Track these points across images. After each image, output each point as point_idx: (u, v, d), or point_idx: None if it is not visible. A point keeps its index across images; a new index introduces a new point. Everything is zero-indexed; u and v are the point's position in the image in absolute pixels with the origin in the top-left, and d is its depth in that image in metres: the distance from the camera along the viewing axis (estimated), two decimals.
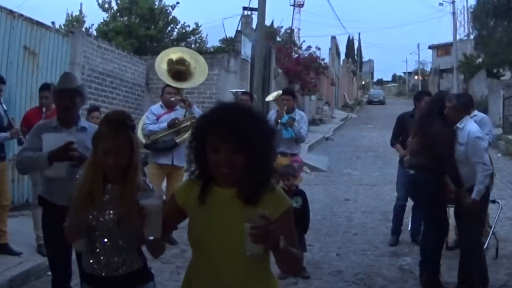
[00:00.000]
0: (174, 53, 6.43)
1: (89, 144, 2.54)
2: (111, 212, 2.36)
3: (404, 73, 78.10)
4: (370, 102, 49.19)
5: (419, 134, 4.69)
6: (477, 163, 4.37)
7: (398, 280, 4.99)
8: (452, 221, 6.38)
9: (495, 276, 4.94)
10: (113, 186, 2.40)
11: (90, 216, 2.35)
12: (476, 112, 6.20)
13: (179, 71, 6.25)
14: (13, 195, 6.53)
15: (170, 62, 6.24)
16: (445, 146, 4.48)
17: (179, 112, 6.07)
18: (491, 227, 5.59)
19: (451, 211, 6.47)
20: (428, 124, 4.58)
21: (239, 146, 1.83)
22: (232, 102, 2.01)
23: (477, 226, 4.66)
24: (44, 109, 5.46)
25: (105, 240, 2.36)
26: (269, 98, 7.01)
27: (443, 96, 4.87)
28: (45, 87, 5.68)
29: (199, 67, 6.33)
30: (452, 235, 6.08)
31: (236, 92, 6.65)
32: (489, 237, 5.48)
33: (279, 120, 6.17)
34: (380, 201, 8.72)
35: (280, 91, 6.87)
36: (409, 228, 6.32)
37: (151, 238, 1.98)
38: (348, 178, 11.56)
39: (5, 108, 5.37)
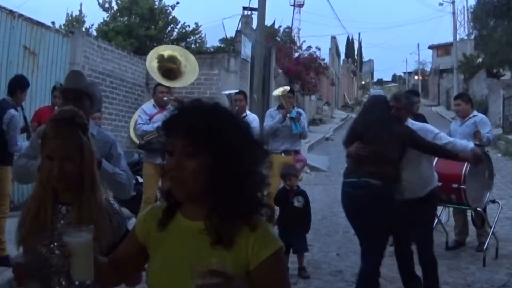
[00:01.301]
0: (164, 50, 6.41)
1: (96, 154, 2.35)
2: None
3: (404, 73, 78.11)
4: None
5: (382, 140, 4.02)
6: (438, 136, 4.24)
7: (398, 280, 4.98)
8: (452, 221, 6.41)
9: (495, 276, 4.95)
10: (69, 209, 1.91)
11: (43, 248, 1.87)
12: (475, 112, 6.22)
13: (170, 69, 6.23)
14: (14, 195, 6.53)
15: (161, 58, 6.22)
16: (419, 139, 4.09)
17: None
18: (491, 227, 5.58)
19: (451, 211, 6.51)
20: (386, 127, 4.06)
21: (194, 148, 1.41)
22: (201, 100, 1.53)
23: (432, 236, 4.42)
24: (56, 108, 5.50)
25: (62, 279, 1.86)
26: (276, 92, 7.04)
27: (383, 99, 4.50)
28: (57, 87, 5.78)
29: (190, 66, 6.32)
30: (452, 235, 6.10)
31: (230, 94, 6.62)
32: (489, 237, 5.48)
33: (287, 115, 6.26)
34: None
35: (287, 87, 7.01)
36: None
37: (78, 283, 1.63)
38: None
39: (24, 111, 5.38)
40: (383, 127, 4.04)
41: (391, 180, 3.95)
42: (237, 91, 6.92)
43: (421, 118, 6.49)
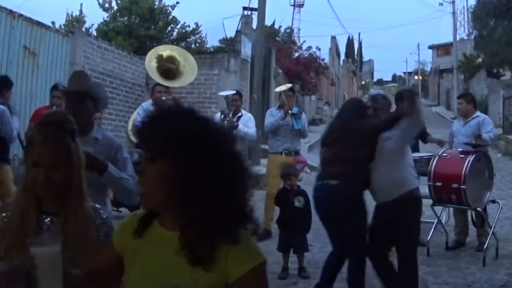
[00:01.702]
0: (163, 50, 6.41)
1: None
2: None
3: (404, 73, 78.15)
4: None
5: (344, 140, 4.00)
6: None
7: None
8: (452, 221, 6.40)
9: (495, 276, 4.95)
10: (54, 220, 1.78)
11: (27, 260, 1.68)
12: (478, 113, 6.22)
13: (169, 69, 6.23)
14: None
15: (160, 58, 6.23)
16: (382, 122, 3.96)
17: None
18: (491, 227, 5.58)
19: (451, 211, 6.51)
20: (349, 127, 4.00)
21: (155, 154, 1.34)
22: (175, 105, 1.46)
23: (414, 248, 4.17)
24: (54, 107, 5.51)
25: None
26: (279, 88, 7.08)
27: (356, 102, 4.50)
28: (56, 87, 5.81)
29: (189, 66, 6.31)
30: (452, 235, 6.10)
31: (227, 96, 6.63)
32: (489, 237, 5.48)
33: (289, 112, 6.30)
34: None
35: (290, 84, 7.09)
36: None
37: None
38: None
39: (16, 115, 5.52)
40: (346, 127, 4.02)
41: (350, 179, 3.87)
42: (233, 92, 6.94)
43: None
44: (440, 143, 6.42)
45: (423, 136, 6.34)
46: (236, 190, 1.36)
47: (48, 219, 1.77)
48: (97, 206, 1.91)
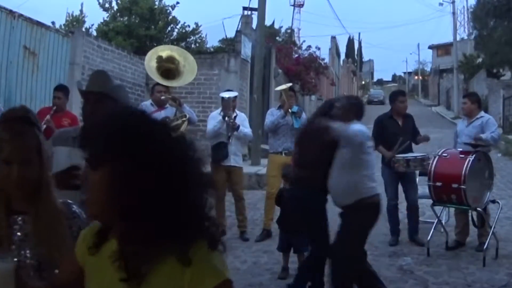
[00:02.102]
0: (163, 51, 6.40)
1: None
2: (28, 254, 1.66)
3: (404, 73, 78.19)
4: (370, 102, 49.07)
5: (305, 143, 4.00)
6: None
7: (398, 280, 4.99)
8: (452, 221, 6.41)
9: (495, 276, 4.95)
10: (25, 219, 1.69)
11: None
12: (482, 113, 6.22)
13: (169, 69, 6.23)
14: None
15: (160, 59, 6.23)
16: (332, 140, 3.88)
17: (169, 111, 6.07)
18: (491, 227, 5.59)
19: (451, 211, 6.51)
20: (309, 131, 4.00)
21: (96, 161, 1.23)
22: (119, 109, 1.39)
23: (355, 248, 4.09)
24: (54, 108, 5.50)
25: None
26: (279, 88, 7.09)
27: (331, 102, 4.41)
28: (58, 88, 5.78)
29: (189, 65, 6.30)
30: (452, 235, 6.10)
31: (229, 98, 6.63)
32: (489, 237, 5.48)
33: (289, 110, 6.30)
34: None
35: (290, 84, 7.12)
36: None
37: None
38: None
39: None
40: (307, 129, 3.98)
41: (301, 184, 3.84)
42: (236, 94, 6.96)
43: (409, 119, 6.52)
44: (426, 139, 6.40)
45: (414, 138, 6.36)
46: (185, 200, 1.21)
47: (20, 218, 1.68)
48: (68, 201, 1.81)
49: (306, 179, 3.83)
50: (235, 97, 6.84)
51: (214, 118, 6.54)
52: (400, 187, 6.34)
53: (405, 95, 6.70)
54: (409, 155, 6.08)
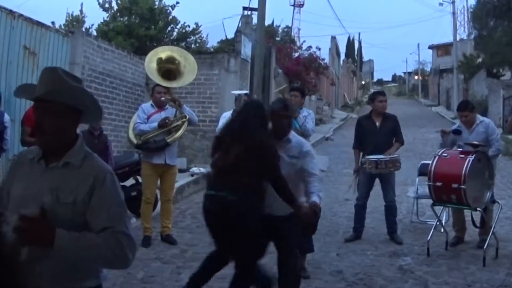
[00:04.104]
0: (163, 52, 6.40)
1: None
2: None
3: (404, 73, 78.08)
4: None
5: (235, 147, 3.67)
6: (313, 175, 3.95)
7: (398, 280, 4.99)
8: (452, 221, 6.41)
9: (495, 276, 4.95)
10: None
11: None
12: (480, 117, 6.20)
13: (169, 70, 6.23)
14: None
15: (160, 61, 6.23)
16: (277, 156, 3.71)
17: (169, 112, 6.07)
18: (491, 227, 5.59)
19: (450, 210, 6.52)
20: (248, 134, 3.71)
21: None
22: None
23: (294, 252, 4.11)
24: None
25: None
26: (277, 89, 7.12)
27: (260, 103, 4.28)
28: None
29: (189, 66, 6.30)
30: (452, 235, 6.10)
31: (240, 95, 6.63)
32: (489, 237, 5.48)
33: None
34: (380, 201, 8.66)
35: (286, 85, 7.11)
36: None
37: None
38: (348, 178, 11.53)
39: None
40: (243, 133, 3.71)
41: (248, 193, 3.57)
42: (246, 92, 6.99)
43: (392, 119, 6.51)
44: (389, 153, 6.24)
45: (392, 139, 6.39)
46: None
47: None
48: None
49: (246, 188, 3.58)
50: (246, 93, 6.83)
51: (226, 118, 6.56)
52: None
53: (384, 95, 6.74)
54: (379, 157, 6.14)
